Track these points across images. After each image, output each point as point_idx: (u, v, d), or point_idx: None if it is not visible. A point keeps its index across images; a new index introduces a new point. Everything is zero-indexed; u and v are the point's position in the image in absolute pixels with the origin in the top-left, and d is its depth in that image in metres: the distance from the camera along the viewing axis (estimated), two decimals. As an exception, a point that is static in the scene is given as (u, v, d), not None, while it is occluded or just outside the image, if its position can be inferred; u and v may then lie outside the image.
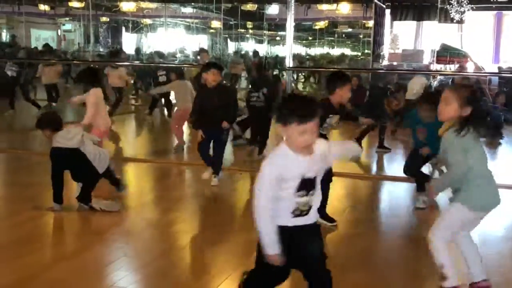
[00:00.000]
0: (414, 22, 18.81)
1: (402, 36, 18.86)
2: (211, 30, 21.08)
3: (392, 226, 6.12)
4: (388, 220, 6.32)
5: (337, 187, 7.48)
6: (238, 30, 20.38)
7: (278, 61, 18.57)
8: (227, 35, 21.29)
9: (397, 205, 6.95)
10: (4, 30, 19.84)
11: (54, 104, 13.66)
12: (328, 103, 5.49)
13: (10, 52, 16.64)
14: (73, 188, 6.88)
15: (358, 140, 9.36)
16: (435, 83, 8.81)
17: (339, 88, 5.48)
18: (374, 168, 9.38)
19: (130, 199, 6.72)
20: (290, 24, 8.21)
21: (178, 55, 19.64)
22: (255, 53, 19.53)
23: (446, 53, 14.32)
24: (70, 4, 17.69)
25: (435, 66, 13.36)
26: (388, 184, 7.85)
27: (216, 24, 18.47)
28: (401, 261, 4.95)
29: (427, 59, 15.46)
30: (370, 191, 7.59)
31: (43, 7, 19.00)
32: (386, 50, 17.52)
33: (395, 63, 15.80)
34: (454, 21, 14.92)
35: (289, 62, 8.26)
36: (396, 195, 7.40)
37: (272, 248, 3.05)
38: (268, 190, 3.00)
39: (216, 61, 7.92)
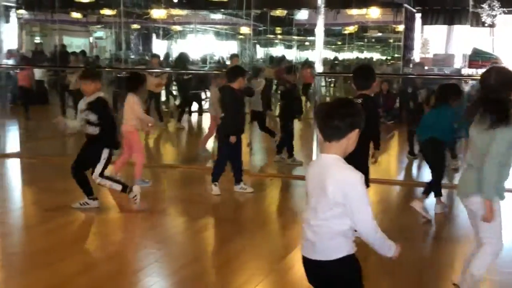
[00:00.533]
0: (445, 26, 18.64)
1: (433, 41, 18.70)
2: (240, 36, 21.12)
3: (423, 233, 6.08)
4: (418, 227, 6.27)
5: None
6: (267, 35, 20.37)
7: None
8: (256, 41, 21.30)
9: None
10: (38, 38, 20.14)
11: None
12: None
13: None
14: (106, 194, 6.98)
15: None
16: (467, 88, 8.72)
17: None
18: (402, 174, 9.31)
19: (161, 204, 6.78)
20: (320, 29, 8.20)
21: (208, 61, 19.77)
22: (281, 58, 19.54)
23: (478, 58, 14.15)
24: (102, 12, 17.92)
25: (466, 71, 13.21)
26: (419, 190, 7.78)
27: (245, 30, 18.51)
28: (434, 267, 4.90)
29: (458, 63, 15.31)
30: (399, 197, 7.54)
31: (76, 15, 19.25)
32: (416, 54, 17.38)
33: (425, 68, 15.68)
34: (486, 24, 14.74)
35: (318, 67, 8.25)
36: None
37: (393, 246, 2.89)
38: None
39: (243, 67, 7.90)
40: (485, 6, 13.96)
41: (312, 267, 2.88)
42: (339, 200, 2.70)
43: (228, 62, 15.42)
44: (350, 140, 2.75)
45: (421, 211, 6.19)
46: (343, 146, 2.75)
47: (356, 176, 2.71)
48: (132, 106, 7.09)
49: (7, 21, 9.54)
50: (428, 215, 6.21)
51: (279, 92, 13.86)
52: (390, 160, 9.66)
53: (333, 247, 2.79)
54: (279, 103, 11.07)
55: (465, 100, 8.94)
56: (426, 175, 8.05)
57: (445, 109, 6.28)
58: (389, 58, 21.16)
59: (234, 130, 6.96)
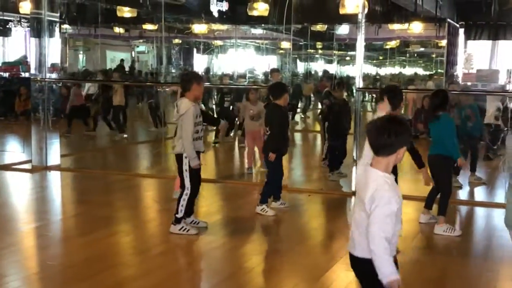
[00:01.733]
0: (489, 42, 18.35)
1: (477, 56, 18.40)
2: (281, 51, 21.12)
3: (466, 251, 5.91)
4: (461, 245, 6.10)
5: (410, 210, 7.31)
6: (308, 50, 20.32)
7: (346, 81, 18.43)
8: (296, 56, 21.27)
9: (469, 229, 6.72)
10: (81, 52, 20.50)
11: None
12: None
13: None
14: (147, 211, 7.01)
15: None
16: (511, 105, 8.52)
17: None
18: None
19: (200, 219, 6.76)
20: (360, 44, 8.12)
21: (248, 75, 19.79)
22: (325, 72, 19.46)
23: (521, 73, 13.88)
24: (144, 27, 18.14)
25: (511, 87, 12.95)
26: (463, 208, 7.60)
27: (285, 45, 18.49)
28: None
29: (502, 79, 15.01)
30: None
31: (118, 30, 19.53)
32: (460, 70, 17.10)
33: (469, 83, 15.41)
34: (531, 40, 14.46)
35: (359, 83, 8.16)
36: (470, 219, 7.16)
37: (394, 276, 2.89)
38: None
39: (283, 82, 7.84)
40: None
41: (351, 261, 3.16)
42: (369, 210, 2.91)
43: (268, 77, 15.40)
44: (398, 155, 2.95)
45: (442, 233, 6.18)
46: (391, 160, 2.96)
47: (389, 196, 2.89)
48: None
49: (51, 36, 9.69)
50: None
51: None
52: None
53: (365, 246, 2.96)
54: (322, 118, 11.03)
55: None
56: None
57: (446, 121, 6.17)
58: (432, 73, 20.86)
59: (280, 147, 6.94)
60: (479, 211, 7.35)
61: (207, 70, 19.30)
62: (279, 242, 6.06)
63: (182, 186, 5.95)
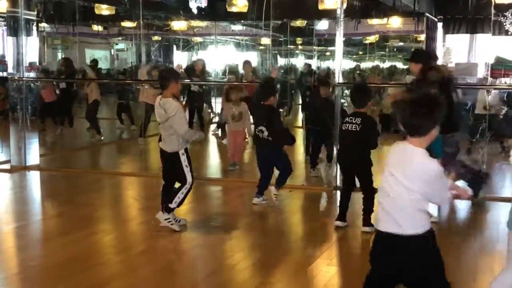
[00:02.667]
0: (467, 35, 18.47)
1: (455, 50, 18.51)
2: (261, 47, 21.13)
3: (445, 244, 5.96)
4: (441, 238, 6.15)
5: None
6: (288, 46, 20.34)
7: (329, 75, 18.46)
8: (276, 52, 21.27)
9: (447, 222, 6.78)
10: (60, 50, 20.36)
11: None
12: None
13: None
14: (128, 209, 6.99)
15: None
16: (489, 98, 8.59)
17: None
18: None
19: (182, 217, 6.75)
20: (339, 40, 8.12)
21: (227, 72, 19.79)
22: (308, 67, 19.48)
23: (500, 66, 13.96)
24: (123, 24, 18.04)
25: (489, 80, 13.04)
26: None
27: (265, 41, 18.51)
28: (457, 283, 4.79)
29: (481, 72, 15.11)
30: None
31: (97, 28, 19.42)
32: (439, 63, 17.20)
33: (448, 77, 15.49)
34: (509, 33, 14.57)
35: (338, 78, 8.17)
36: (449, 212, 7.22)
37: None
38: None
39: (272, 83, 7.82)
40: (508, 14, 13.80)
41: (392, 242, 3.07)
42: (416, 188, 2.96)
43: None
44: (431, 135, 2.98)
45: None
46: (426, 140, 2.99)
47: (438, 168, 2.96)
48: None
49: (29, 34, 9.59)
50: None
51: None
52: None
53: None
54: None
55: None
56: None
57: None
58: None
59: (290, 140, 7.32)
60: (456, 203, 7.39)
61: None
62: (261, 238, 6.06)
63: (183, 181, 5.93)
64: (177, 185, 6.00)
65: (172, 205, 5.90)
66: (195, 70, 13.09)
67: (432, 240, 3.15)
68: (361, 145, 5.91)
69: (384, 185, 3.09)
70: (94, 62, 16.15)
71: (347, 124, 5.99)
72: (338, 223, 6.06)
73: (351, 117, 6.01)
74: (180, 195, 5.90)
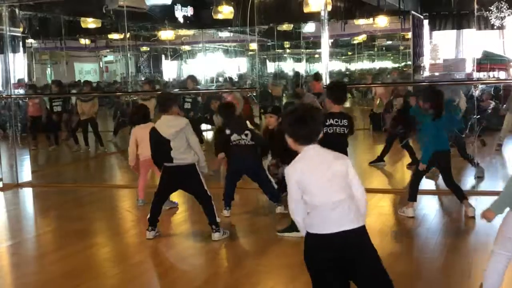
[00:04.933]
0: (454, 31, 18.55)
1: (443, 46, 18.59)
2: (250, 53, 21.16)
3: (439, 243, 5.98)
4: (436, 236, 6.17)
5: (385, 204, 7.38)
6: (276, 50, 20.39)
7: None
8: (265, 56, 21.30)
9: (441, 219, 6.79)
10: (49, 65, 20.34)
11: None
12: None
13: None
14: (122, 221, 6.97)
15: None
16: (476, 92, 8.63)
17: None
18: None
19: (175, 226, 6.75)
20: (325, 41, 8.15)
21: (220, 79, 19.80)
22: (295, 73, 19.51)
23: (486, 61, 14.03)
24: (110, 36, 18.06)
25: (476, 75, 13.10)
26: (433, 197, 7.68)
27: (254, 46, 18.53)
28: (452, 278, 4.80)
29: (469, 67, 15.17)
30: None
31: (84, 41, 19.43)
32: (426, 60, 17.27)
33: (436, 74, 15.55)
34: (495, 27, 14.64)
35: (326, 79, 8.19)
36: (442, 208, 7.23)
37: None
38: None
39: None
40: (493, 8, 13.87)
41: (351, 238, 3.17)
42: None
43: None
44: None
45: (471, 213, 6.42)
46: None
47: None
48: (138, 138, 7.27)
49: (15, 51, 9.60)
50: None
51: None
52: (405, 170, 9.56)
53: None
54: None
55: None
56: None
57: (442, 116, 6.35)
58: (400, 66, 21.05)
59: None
60: (449, 201, 7.40)
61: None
62: (254, 244, 6.07)
63: (204, 195, 6.01)
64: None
65: (218, 220, 6.08)
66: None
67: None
68: (344, 146, 5.85)
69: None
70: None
71: (334, 127, 5.81)
72: None
73: (337, 119, 5.81)
74: (214, 210, 6.01)
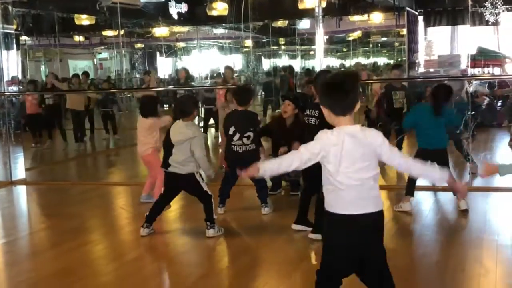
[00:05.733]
0: (449, 27, 18.56)
1: (437, 42, 18.60)
2: (245, 49, 21.14)
3: (435, 238, 5.98)
4: (431, 231, 6.18)
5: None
6: (271, 47, 20.38)
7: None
8: (260, 53, 21.29)
9: (437, 215, 6.80)
10: (43, 63, 20.29)
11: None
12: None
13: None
14: (117, 218, 6.95)
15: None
16: (471, 88, 8.63)
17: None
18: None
19: (170, 222, 6.74)
20: (319, 38, 8.14)
21: (214, 75, 19.76)
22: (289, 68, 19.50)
23: (481, 57, 14.05)
24: (104, 33, 18.00)
25: (470, 71, 13.13)
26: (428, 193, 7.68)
27: (249, 43, 18.53)
28: (447, 272, 4.81)
29: (464, 64, 15.19)
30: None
31: (78, 38, 19.37)
32: (421, 57, 17.28)
33: (431, 70, 15.56)
34: (489, 23, 14.64)
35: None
36: (437, 204, 7.24)
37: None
38: None
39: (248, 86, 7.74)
40: (487, 4, 13.88)
41: (371, 221, 3.22)
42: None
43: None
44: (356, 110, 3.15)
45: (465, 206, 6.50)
46: (353, 116, 3.15)
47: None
48: (152, 126, 7.18)
49: (9, 48, 9.55)
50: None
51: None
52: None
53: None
54: None
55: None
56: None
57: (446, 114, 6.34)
58: (395, 62, 21.07)
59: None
60: (444, 196, 7.40)
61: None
62: (249, 240, 6.06)
63: (204, 196, 5.95)
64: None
65: (215, 216, 6.02)
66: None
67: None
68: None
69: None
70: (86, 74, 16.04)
71: (309, 118, 5.61)
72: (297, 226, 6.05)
73: (311, 109, 5.60)
74: (212, 208, 5.97)
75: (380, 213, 3.25)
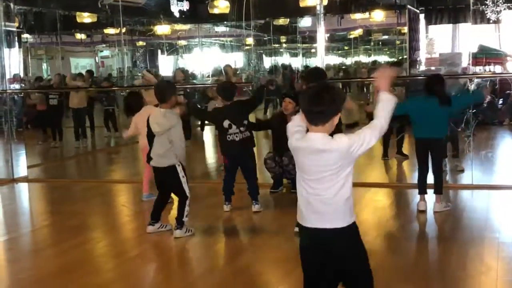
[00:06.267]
0: (450, 25, 18.55)
1: (439, 40, 18.59)
2: (246, 47, 21.13)
3: (433, 236, 5.99)
4: (427, 231, 6.19)
5: (380, 198, 7.39)
6: (272, 45, 20.38)
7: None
8: (262, 51, 21.27)
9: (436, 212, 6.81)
10: (44, 61, 20.30)
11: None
12: None
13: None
14: (118, 216, 6.97)
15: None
16: (472, 86, 8.63)
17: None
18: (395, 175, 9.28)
19: (171, 220, 6.75)
20: (321, 36, 8.14)
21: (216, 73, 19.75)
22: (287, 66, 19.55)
23: (482, 55, 14.03)
24: (106, 31, 17.98)
25: (471, 69, 13.13)
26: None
27: (250, 41, 18.52)
28: (446, 270, 4.82)
29: (465, 62, 15.18)
30: (409, 200, 7.44)
31: (80, 36, 19.36)
32: (422, 55, 17.27)
33: (432, 68, 15.55)
34: (491, 21, 14.63)
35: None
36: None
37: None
38: None
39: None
40: (488, 2, 13.87)
41: (325, 238, 3.05)
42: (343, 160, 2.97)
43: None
44: (334, 122, 3.01)
45: (444, 209, 6.48)
46: (327, 128, 3.00)
47: (345, 139, 2.97)
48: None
49: (10, 46, 9.57)
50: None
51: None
52: (404, 164, 9.56)
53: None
54: None
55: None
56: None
57: (433, 102, 6.31)
58: (396, 60, 21.06)
59: None
60: (444, 194, 7.41)
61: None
62: (251, 238, 6.07)
63: (182, 195, 5.90)
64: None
65: (185, 219, 5.91)
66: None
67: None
68: None
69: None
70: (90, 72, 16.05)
71: None
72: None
73: None
74: (187, 209, 5.88)
75: (337, 231, 3.04)
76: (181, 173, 5.86)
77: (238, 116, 6.74)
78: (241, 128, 6.70)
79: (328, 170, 2.99)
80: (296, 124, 3.17)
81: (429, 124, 6.36)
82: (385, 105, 3.05)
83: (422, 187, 6.55)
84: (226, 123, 6.68)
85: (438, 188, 6.49)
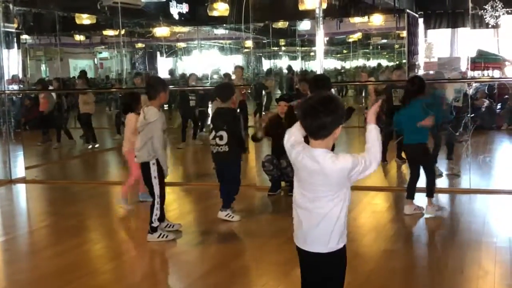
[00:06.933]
0: (449, 30, 18.59)
1: (438, 44, 18.63)
2: (245, 50, 21.14)
3: (432, 239, 5.99)
4: (426, 233, 6.19)
5: (378, 201, 7.39)
6: (271, 48, 20.39)
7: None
8: (261, 54, 21.28)
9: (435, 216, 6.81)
10: (43, 62, 20.28)
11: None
12: None
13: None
14: (116, 218, 6.95)
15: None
16: (470, 91, 8.64)
17: None
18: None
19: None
20: (320, 39, 8.14)
21: (215, 76, 19.74)
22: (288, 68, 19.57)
23: (481, 59, 14.07)
24: (105, 32, 17.98)
25: (470, 73, 13.15)
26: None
27: (249, 43, 18.53)
28: (444, 273, 4.82)
29: (464, 66, 15.21)
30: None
31: (79, 37, 19.35)
32: (421, 59, 17.30)
33: (431, 72, 15.57)
34: (490, 26, 14.65)
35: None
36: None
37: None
38: None
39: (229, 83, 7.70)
40: (487, 7, 13.89)
41: (308, 260, 3.07)
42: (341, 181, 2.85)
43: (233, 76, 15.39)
44: (335, 135, 2.85)
45: (435, 213, 6.51)
46: (330, 142, 2.86)
47: (348, 160, 2.82)
48: (132, 125, 6.91)
49: (9, 47, 9.56)
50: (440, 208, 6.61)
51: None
52: (402, 168, 9.57)
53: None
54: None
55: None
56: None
57: (417, 107, 6.36)
58: (394, 64, 21.09)
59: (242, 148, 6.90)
60: (443, 198, 7.42)
61: (171, 72, 19.29)
62: (249, 240, 6.07)
63: (152, 195, 5.82)
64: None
65: (154, 224, 5.79)
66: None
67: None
68: None
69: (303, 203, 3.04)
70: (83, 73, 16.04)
71: None
72: None
73: None
74: (156, 212, 5.76)
75: (321, 256, 3.01)
76: (154, 173, 5.74)
77: (217, 122, 6.46)
78: (217, 140, 6.38)
79: (326, 188, 2.88)
80: (294, 133, 3.01)
81: (411, 130, 6.49)
82: (373, 134, 2.92)
83: (409, 192, 6.63)
84: (210, 127, 6.61)
85: (429, 191, 6.57)
